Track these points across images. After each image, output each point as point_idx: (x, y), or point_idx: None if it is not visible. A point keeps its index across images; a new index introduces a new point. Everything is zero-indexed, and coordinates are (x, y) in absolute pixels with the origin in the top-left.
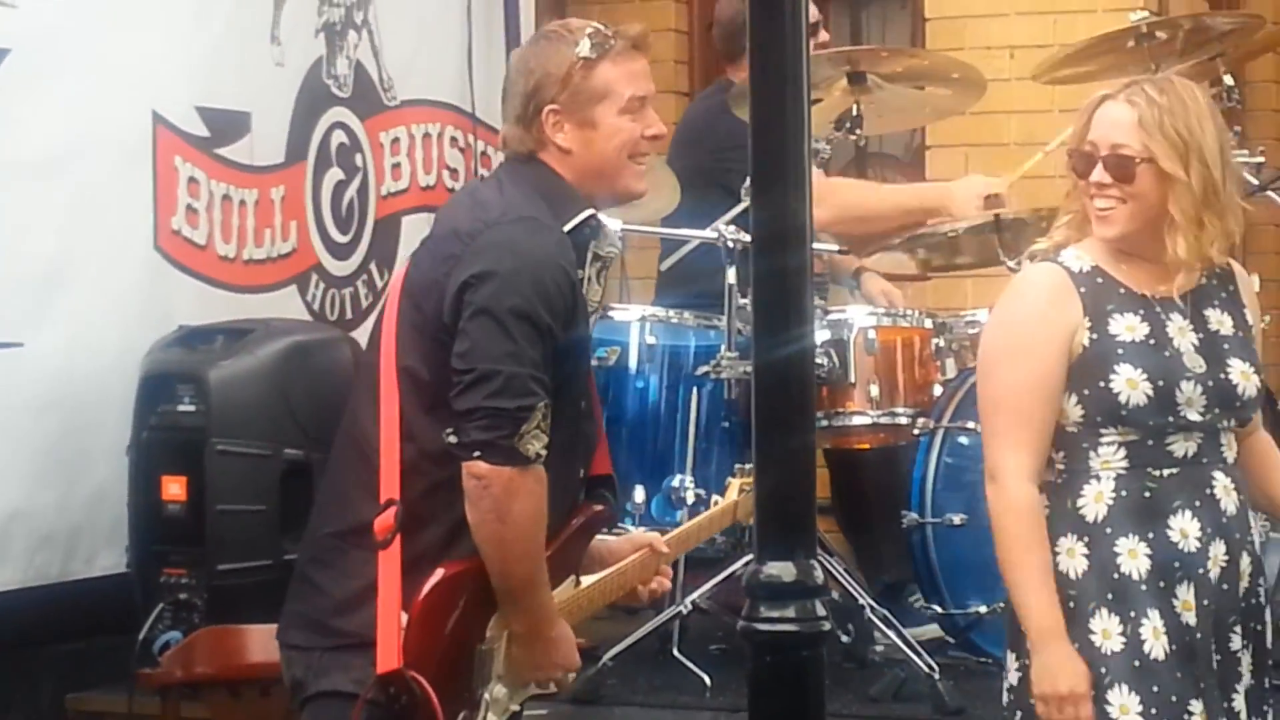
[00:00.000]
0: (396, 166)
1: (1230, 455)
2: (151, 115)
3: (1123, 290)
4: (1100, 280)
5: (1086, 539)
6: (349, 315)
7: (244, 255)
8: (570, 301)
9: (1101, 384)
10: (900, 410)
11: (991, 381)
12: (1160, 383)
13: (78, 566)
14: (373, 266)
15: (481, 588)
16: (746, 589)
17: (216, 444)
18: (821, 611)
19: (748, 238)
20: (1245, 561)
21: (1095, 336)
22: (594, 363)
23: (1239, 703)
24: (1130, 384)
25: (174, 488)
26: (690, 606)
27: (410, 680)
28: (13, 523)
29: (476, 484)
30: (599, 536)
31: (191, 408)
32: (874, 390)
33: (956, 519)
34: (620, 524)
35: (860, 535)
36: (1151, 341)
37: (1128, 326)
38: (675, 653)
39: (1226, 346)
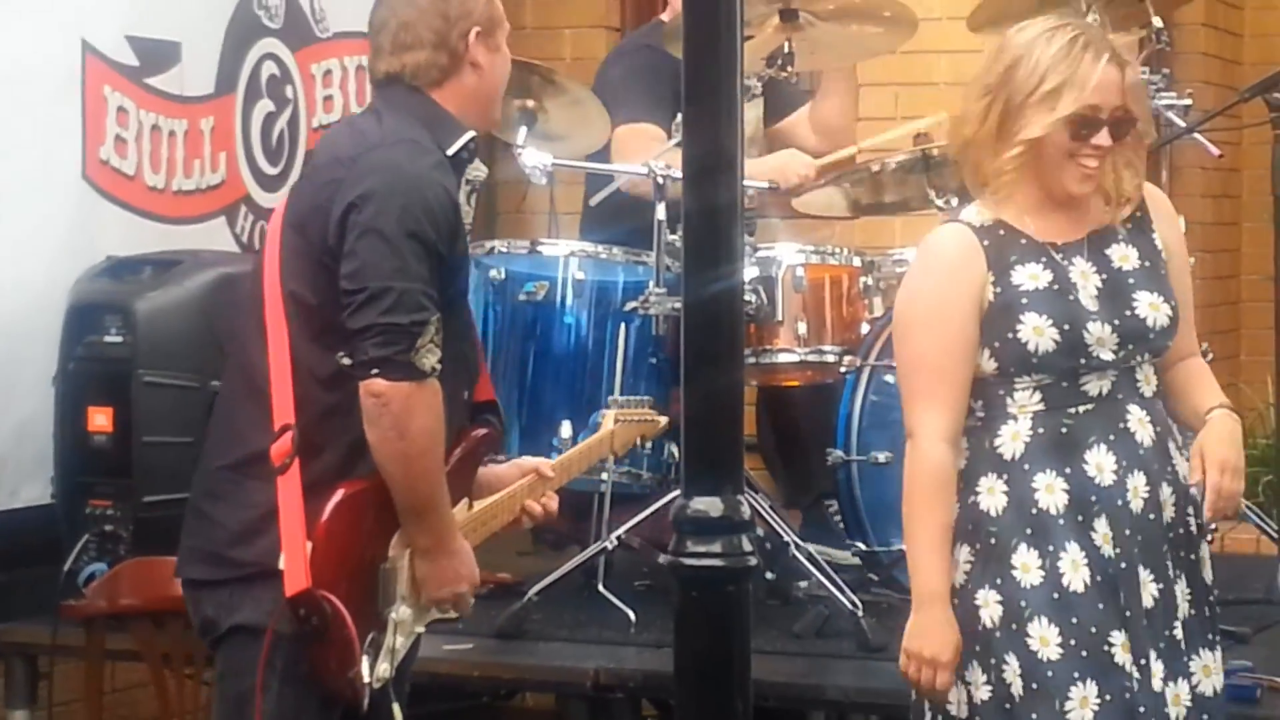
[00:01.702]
0: (328, 99)
1: (1147, 389)
2: (81, 44)
3: (1024, 240)
4: (1002, 232)
5: (1005, 476)
6: None
7: (173, 186)
8: (453, 221)
9: (1010, 334)
10: (828, 348)
11: (908, 346)
12: (1066, 326)
13: (2, 498)
14: None
15: (381, 506)
16: (674, 524)
17: (143, 375)
18: (748, 547)
19: (678, 174)
20: (1166, 492)
21: (999, 289)
22: (523, 298)
23: (1179, 632)
24: (1036, 331)
25: (100, 419)
26: (616, 542)
27: (321, 599)
28: None
29: (375, 402)
30: (487, 464)
31: (119, 339)
32: (801, 328)
33: (882, 457)
34: (547, 458)
35: (787, 472)
36: (1055, 288)
37: (1031, 275)
38: (600, 588)
39: (1132, 281)
